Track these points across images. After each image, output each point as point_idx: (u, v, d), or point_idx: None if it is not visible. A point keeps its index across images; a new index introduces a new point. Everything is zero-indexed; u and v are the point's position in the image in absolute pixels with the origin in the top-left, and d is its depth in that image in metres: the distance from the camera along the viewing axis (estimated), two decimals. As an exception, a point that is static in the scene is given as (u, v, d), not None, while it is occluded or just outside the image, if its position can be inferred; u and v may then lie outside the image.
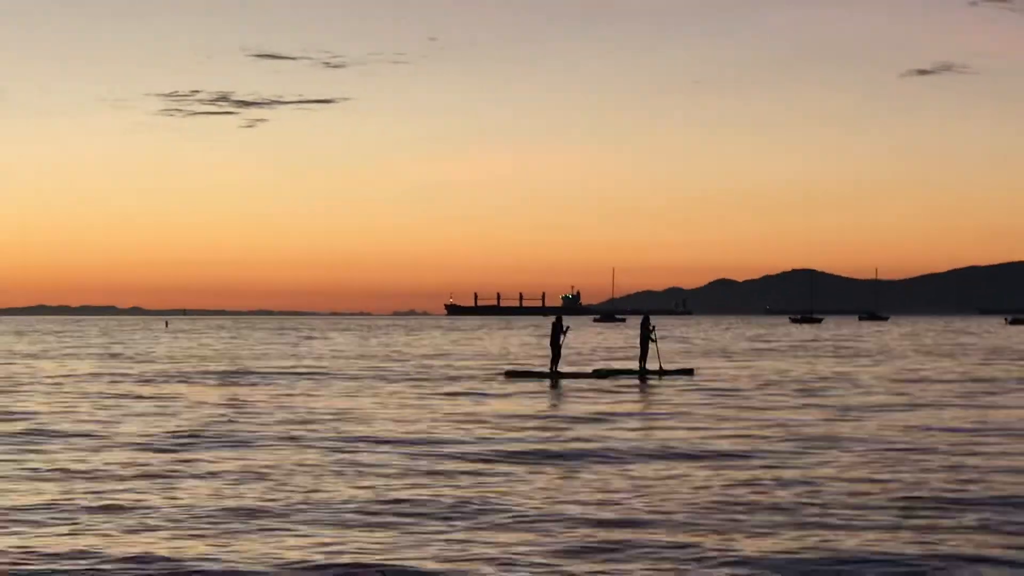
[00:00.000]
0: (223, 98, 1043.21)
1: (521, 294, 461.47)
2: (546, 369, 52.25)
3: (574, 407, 34.92)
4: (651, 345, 52.59)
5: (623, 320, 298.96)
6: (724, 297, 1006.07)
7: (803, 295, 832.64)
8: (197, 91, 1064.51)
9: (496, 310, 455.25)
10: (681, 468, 21.44)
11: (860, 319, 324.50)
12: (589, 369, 55.10)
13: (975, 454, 23.66)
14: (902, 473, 20.81)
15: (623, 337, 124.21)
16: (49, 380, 50.56)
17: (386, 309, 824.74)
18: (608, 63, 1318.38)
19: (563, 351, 53.22)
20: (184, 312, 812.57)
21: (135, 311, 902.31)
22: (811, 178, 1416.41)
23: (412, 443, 26.36)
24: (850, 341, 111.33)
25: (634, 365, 55.21)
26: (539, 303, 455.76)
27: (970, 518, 16.57)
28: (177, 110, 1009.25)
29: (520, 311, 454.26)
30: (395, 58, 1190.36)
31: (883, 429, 28.58)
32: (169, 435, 27.79)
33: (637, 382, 46.80)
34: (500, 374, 53.24)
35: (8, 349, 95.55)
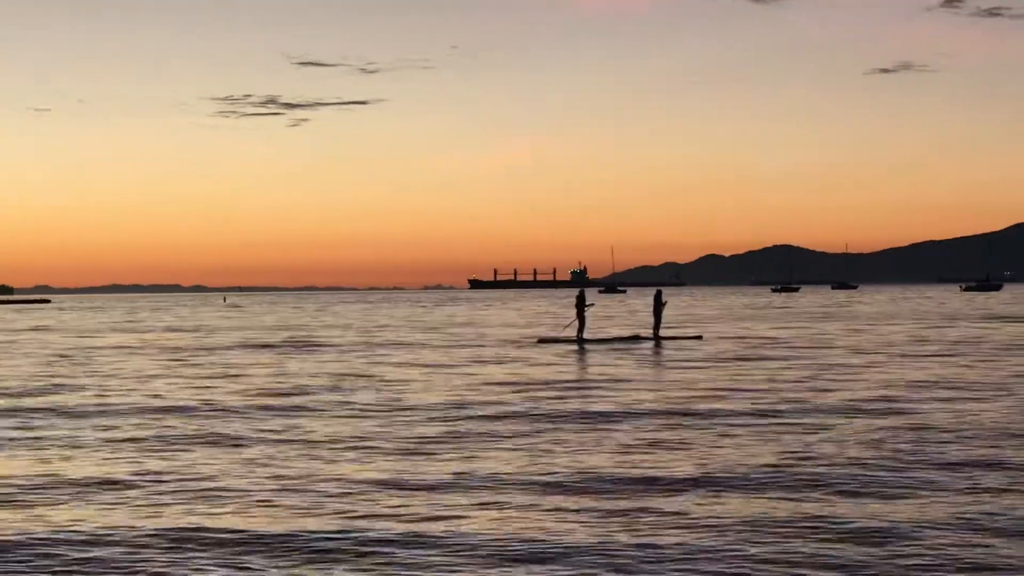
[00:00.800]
0: (271, 101, 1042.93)
1: (535, 269, 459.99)
2: (573, 335, 51.17)
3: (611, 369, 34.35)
4: (662, 312, 52.20)
5: (624, 291, 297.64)
6: (714, 270, 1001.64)
7: (783, 267, 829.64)
8: (249, 95, 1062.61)
9: (513, 284, 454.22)
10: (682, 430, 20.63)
11: (832, 288, 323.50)
12: (613, 335, 54.78)
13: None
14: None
15: (626, 308, 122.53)
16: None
17: (416, 283, 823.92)
18: (607, 64, 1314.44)
19: (588, 321, 52.73)
20: (240, 289, 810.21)
21: (197, 288, 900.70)
22: (789, 164, 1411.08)
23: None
24: (837, 308, 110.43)
25: (647, 332, 53.98)
26: (551, 277, 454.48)
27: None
28: (232, 112, 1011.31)
29: (534, 284, 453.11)
30: (422, 64, 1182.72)
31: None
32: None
33: (653, 346, 46.56)
34: (535, 340, 52.55)
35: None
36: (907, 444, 18.33)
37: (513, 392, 27.61)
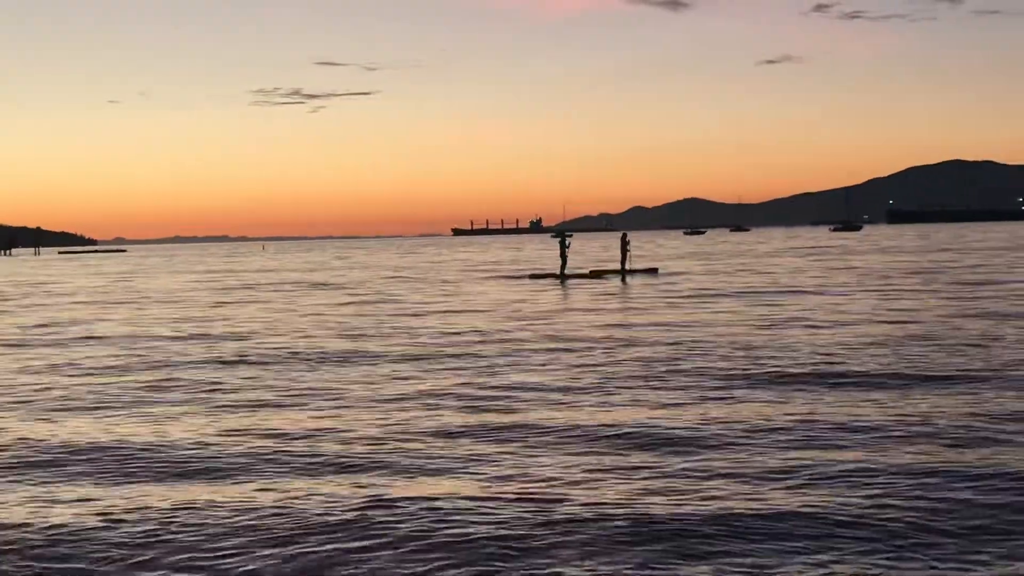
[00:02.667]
0: (296, 92, 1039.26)
1: (502, 220, 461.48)
2: (556, 272, 49.60)
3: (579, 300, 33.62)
4: (628, 253, 50.31)
5: (571, 235, 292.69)
6: (639, 219, 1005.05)
7: (693, 215, 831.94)
8: (278, 88, 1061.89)
9: (485, 231, 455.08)
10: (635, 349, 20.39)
11: (730, 231, 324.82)
12: (586, 271, 51.78)
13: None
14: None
15: (574, 251, 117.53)
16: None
17: (411, 232, 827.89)
18: (558, 62, 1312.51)
19: (568, 259, 50.57)
20: (273, 238, 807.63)
21: (242, 238, 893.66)
22: (697, 134, 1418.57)
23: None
24: (741, 246, 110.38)
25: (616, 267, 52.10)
26: (514, 225, 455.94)
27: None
28: (265, 101, 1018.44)
29: (503, 231, 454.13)
30: (414, 63, 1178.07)
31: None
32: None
33: (620, 280, 45.22)
34: (528, 275, 51.21)
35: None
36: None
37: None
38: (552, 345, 20.18)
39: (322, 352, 20.05)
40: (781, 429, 11.55)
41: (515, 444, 11.26)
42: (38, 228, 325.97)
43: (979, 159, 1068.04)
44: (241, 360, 19.22)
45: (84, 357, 20.51)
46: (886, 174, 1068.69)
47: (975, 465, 9.76)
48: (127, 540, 8.15)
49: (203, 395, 15.23)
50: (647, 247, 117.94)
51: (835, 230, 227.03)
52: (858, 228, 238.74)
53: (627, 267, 50.25)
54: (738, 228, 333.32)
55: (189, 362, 19.14)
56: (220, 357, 19.79)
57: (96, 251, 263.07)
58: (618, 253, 58.35)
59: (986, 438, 10.88)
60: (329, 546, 7.90)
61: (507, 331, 23.21)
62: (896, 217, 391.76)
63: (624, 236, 52.14)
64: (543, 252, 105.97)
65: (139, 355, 20.53)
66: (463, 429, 12.10)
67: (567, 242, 49.75)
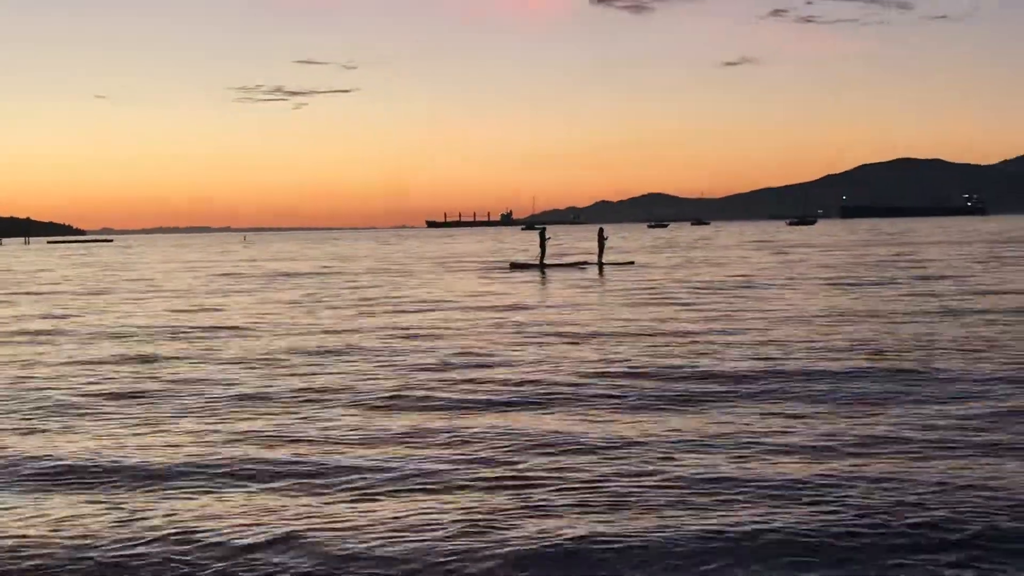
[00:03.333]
0: (278, 89, 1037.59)
1: (474, 213, 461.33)
2: (536, 262, 49.47)
3: (559, 292, 33.35)
4: (604, 245, 49.45)
5: (539, 228, 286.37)
6: (605, 213, 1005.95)
7: (657, 209, 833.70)
8: (261, 85, 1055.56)
9: (458, 223, 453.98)
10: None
11: (692, 224, 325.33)
12: (566, 261, 52.16)
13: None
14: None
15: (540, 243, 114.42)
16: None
17: (387, 224, 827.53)
18: (523, 61, 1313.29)
19: (547, 250, 50.73)
20: (253, 229, 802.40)
21: (225, 228, 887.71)
22: (660, 132, 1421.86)
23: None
24: (693, 237, 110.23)
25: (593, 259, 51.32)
26: (486, 218, 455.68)
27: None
28: (247, 98, 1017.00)
29: (475, 223, 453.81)
30: (392, 62, 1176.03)
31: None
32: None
33: (597, 270, 45.60)
34: (508, 264, 51.61)
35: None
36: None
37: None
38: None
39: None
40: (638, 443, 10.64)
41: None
42: (28, 219, 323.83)
43: (927, 157, 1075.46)
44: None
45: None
46: (840, 171, 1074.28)
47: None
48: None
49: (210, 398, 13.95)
50: (612, 240, 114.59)
51: (791, 224, 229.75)
52: (813, 222, 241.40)
53: (603, 260, 50.02)
54: (699, 222, 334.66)
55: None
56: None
57: (84, 240, 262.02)
58: (594, 245, 58.19)
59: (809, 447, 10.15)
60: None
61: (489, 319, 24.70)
62: (849, 212, 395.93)
63: (601, 231, 51.76)
64: (526, 242, 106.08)
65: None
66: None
67: (546, 236, 50.75)
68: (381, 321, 23.88)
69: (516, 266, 50.28)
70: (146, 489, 9.34)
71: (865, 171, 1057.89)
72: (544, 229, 51.91)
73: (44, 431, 11.96)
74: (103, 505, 8.85)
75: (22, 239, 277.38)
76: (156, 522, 8.28)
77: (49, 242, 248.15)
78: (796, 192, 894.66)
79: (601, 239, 50.31)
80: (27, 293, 39.56)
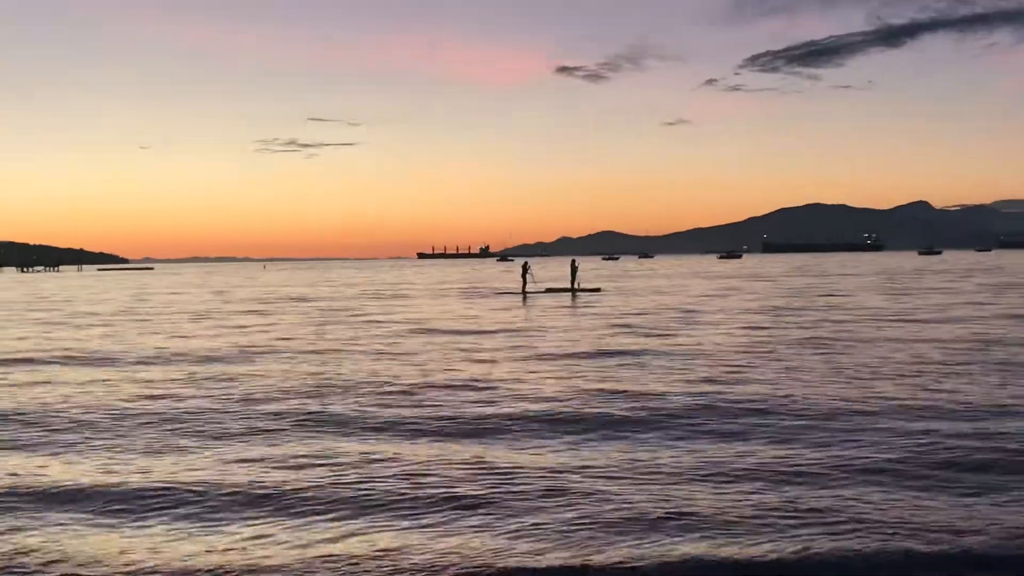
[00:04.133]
0: (292, 142, 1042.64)
1: (457, 246, 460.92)
2: (519, 289, 48.77)
3: (540, 313, 32.87)
4: (576, 275, 48.30)
5: (512, 260, 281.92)
6: (567, 247, 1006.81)
7: (610, 244, 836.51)
8: (277, 138, 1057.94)
9: (444, 255, 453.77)
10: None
11: (639, 257, 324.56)
12: (543, 288, 50.12)
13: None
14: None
15: (514, 273, 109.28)
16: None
17: (384, 255, 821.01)
18: (500, 121, 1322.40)
19: (529, 280, 49.21)
20: (271, 259, 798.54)
21: (246, 258, 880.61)
22: (609, 178, 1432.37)
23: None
24: (639, 268, 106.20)
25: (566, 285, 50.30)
26: (468, 251, 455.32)
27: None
28: (266, 149, 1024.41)
29: (458, 255, 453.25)
30: (390, 121, 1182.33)
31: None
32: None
33: (570, 296, 43.83)
34: (495, 292, 49.79)
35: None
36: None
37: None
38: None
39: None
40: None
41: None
42: (81, 249, 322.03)
43: (835, 203, 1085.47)
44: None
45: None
46: (762, 213, 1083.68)
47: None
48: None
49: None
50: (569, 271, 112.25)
51: (721, 258, 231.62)
52: (739, 256, 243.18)
53: (576, 286, 48.37)
54: (644, 255, 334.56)
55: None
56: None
57: (129, 268, 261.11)
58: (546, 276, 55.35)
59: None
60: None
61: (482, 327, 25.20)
62: (769, 248, 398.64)
63: (573, 261, 50.08)
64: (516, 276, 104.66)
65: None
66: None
67: (528, 268, 50.49)
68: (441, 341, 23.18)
69: (500, 293, 49.42)
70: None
71: (783, 213, 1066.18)
72: (526, 263, 51.55)
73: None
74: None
75: (76, 267, 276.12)
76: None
77: (99, 269, 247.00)
78: (725, 231, 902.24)
79: (573, 269, 49.01)
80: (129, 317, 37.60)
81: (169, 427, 11.95)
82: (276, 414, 12.63)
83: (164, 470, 9.57)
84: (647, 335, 23.82)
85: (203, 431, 11.66)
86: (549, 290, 48.66)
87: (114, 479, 9.21)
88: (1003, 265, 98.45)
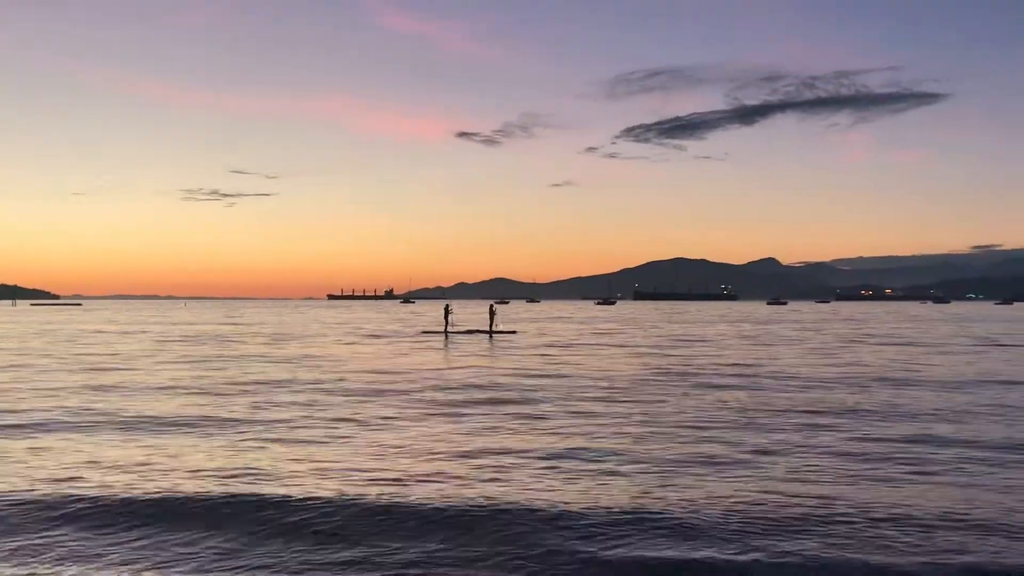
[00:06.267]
0: (214, 192, 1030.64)
1: (364, 289, 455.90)
2: (442, 330, 47.24)
3: (463, 354, 31.64)
4: (494, 318, 46.84)
5: (413, 302, 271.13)
6: (463, 291, 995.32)
7: (502, 290, 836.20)
8: (201, 188, 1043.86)
9: (352, 297, 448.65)
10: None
11: (527, 302, 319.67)
12: (464, 329, 48.57)
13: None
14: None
15: (418, 315, 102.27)
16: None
17: (296, 295, 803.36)
18: (402, 175, 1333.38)
19: (450, 320, 48.24)
20: (191, 297, 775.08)
21: (169, 296, 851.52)
22: (503, 233, 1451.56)
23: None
24: (526, 311, 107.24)
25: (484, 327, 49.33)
26: (373, 293, 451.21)
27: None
28: (191, 198, 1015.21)
29: (365, 297, 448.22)
30: (303, 173, 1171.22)
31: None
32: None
33: (488, 337, 42.40)
34: (419, 332, 47.83)
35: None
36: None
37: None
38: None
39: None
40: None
41: None
42: (15, 285, 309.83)
43: (697, 257, 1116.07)
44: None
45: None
46: (633, 265, 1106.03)
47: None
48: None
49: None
50: (468, 312, 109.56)
51: (598, 303, 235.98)
52: (613, 302, 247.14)
53: (493, 328, 46.84)
54: (532, 300, 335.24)
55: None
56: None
57: (60, 304, 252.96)
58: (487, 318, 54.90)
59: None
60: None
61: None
62: (640, 295, 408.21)
63: (491, 306, 48.63)
64: (428, 317, 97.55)
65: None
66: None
67: (449, 310, 49.08)
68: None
69: (426, 332, 47.87)
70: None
71: (651, 266, 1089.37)
72: (448, 305, 50.58)
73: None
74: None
75: (10, 301, 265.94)
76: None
77: (32, 304, 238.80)
78: (601, 280, 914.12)
79: (492, 312, 47.44)
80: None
81: None
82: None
83: None
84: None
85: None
86: (470, 331, 47.15)
87: None
88: (838, 311, 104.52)
